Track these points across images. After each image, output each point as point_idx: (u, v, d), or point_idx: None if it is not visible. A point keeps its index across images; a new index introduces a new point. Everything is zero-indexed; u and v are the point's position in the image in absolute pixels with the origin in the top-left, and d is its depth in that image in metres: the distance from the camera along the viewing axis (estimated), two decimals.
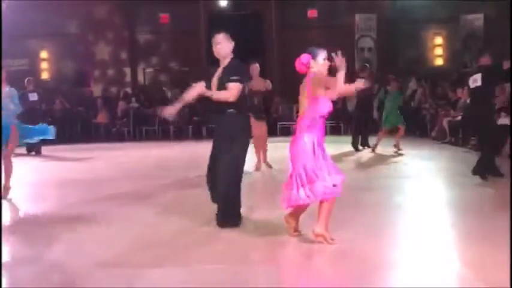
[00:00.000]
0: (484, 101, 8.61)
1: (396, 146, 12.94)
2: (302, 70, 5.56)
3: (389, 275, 4.53)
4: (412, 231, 5.97)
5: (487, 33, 20.91)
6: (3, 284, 4.39)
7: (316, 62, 5.51)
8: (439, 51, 21.99)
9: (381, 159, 12.20)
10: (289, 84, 14.14)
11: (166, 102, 21.52)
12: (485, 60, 8.82)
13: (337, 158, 12.27)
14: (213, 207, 6.13)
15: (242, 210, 6.20)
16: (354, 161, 12.20)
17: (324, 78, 5.46)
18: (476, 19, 21.22)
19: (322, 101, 5.38)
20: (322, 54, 5.55)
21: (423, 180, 9.07)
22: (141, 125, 20.56)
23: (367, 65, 15.54)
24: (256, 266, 4.85)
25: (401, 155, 12.63)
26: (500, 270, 4.46)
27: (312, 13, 21.59)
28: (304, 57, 5.54)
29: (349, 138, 14.30)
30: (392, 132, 13.40)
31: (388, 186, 8.69)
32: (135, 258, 5.10)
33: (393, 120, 13.15)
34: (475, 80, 8.58)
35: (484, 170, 8.53)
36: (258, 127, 9.79)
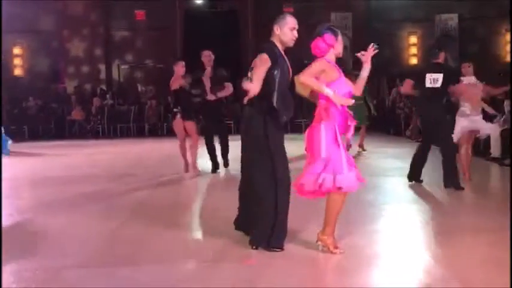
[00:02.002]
0: (440, 102, 8.12)
1: (360, 145, 12.97)
2: (320, 53, 4.91)
3: (363, 273, 4.54)
4: (384, 229, 5.99)
5: (461, 32, 21.15)
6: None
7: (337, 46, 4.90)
8: (413, 50, 22.18)
9: (355, 158, 12.25)
10: None
11: (141, 98, 21.50)
12: (440, 59, 8.33)
13: None
14: (185, 206, 6.10)
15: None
16: None
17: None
18: (450, 19, 21.44)
19: (338, 85, 4.83)
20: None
21: (395, 179, 9.11)
22: (116, 122, 20.42)
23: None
24: (228, 264, 4.85)
25: (372, 153, 12.72)
26: (473, 269, 4.51)
27: (288, 11, 21.60)
28: (330, 38, 4.91)
29: None
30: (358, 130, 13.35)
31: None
32: (107, 256, 5.06)
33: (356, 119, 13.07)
34: (435, 80, 7.98)
35: (455, 178, 8.02)
36: (189, 126, 9.60)
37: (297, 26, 5.09)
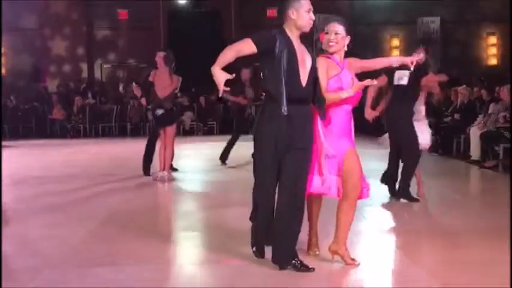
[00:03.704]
0: (406, 102, 7.38)
1: None
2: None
3: (342, 275, 4.56)
4: (362, 231, 6.01)
5: (443, 35, 21.30)
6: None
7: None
8: (395, 53, 22.29)
9: None
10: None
11: (123, 98, 21.39)
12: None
13: None
14: (167, 205, 6.09)
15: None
16: None
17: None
18: (433, 22, 21.58)
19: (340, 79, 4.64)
20: None
21: (371, 180, 9.12)
22: (98, 121, 20.30)
23: None
24: (206, 266, 4.84)
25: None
26: (453, 270, 4.54)
27: (272, 12, 21.60)
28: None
29: None
30: None
31: None
32: (84, 257, 5.03)
33: None
34: (400, 78, 7.36)
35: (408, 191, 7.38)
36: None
37: (312, 8, 4.71)
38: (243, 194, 8.59)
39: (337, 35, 4.76)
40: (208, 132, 19.49)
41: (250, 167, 11.54)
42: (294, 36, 4.60)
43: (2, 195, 7.35)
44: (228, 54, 4.44)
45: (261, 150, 4.50)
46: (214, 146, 11.30)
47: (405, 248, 5.28)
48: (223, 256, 4.97)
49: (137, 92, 9.60)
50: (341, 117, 4.60)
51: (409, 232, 5.93)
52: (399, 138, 7.43)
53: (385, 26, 22.23)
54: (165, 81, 9.08)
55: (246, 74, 10.70)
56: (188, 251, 5.33)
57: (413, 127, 7.34)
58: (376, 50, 21.91)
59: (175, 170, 10.11)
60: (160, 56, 9.27)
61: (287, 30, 4.60)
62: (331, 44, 4.75)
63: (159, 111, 9.07)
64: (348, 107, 4.65)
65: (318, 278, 4.41)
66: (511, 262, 4.42)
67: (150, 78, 9.20)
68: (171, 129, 9.22)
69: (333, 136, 4.54)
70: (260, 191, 4.57)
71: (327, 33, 4.83)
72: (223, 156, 11.08)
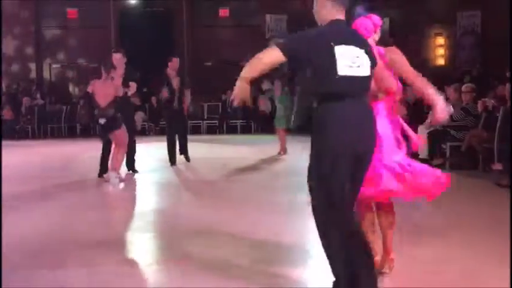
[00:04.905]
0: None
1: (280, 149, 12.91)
2: (367, 33, 4.26)
3: (299, 274, 4.59)
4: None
5: (392, 36, 21.62)
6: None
7: None
8: None
9: (291, 159, 12.36)
10: (199, 84, 14.21)
11: (72, 98, 21.10)
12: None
13: (252, 158, 12.38)
14: (118, 206, 6.04)
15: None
16: (263, 160, 12.30)
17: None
18: (383, 23, 21.90)
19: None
20: None
21: None
22: (47, 122, 19.95)
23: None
24: (158, 267, 4.83)
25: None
26: (406, 266, 4.62)
27: (224, 12, 21.66)
28: (377, 19, 4.35)
29: (260, 137, 14.39)
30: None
31: (294, 186, 8.82)
32: (32, 259, 4.96)
33: (277, 122, 13.15)
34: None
35: None
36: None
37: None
38: (194, 194, 8.61)
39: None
40: (161, 132, 19.33)
41: (198, 166, 11.63)
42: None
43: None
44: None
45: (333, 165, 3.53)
46: (165, 147, 11.24)
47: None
48: (176, 256, 4.96)
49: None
50: None
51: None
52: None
53: None
54: (105, 89, 9.00)
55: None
56: (140, 252, 5.30)
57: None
58: None
59: (135, 171, 10.07)
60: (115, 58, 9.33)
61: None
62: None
63: (102, 121, 9.03)
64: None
65: (277, 279, 4.43)
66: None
67: (89, 90, 9.19)
68: (120, 133, 9.15)
69: None
70: (338, 222, 3.58)
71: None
72: (173, 158, 11.07)
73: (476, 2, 20.25)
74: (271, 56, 3.56)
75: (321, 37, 3.58)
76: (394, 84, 4.12)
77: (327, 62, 3.51)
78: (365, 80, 3.63)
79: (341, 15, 3.73)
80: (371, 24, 4.29)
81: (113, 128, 9.08)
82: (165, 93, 10.89)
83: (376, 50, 3.99)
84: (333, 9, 3.72)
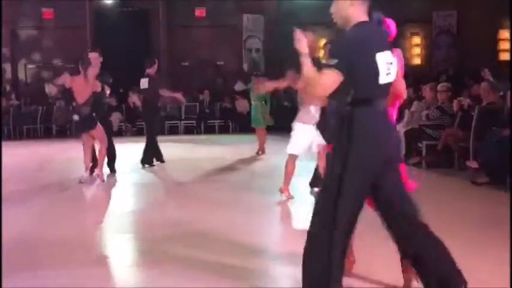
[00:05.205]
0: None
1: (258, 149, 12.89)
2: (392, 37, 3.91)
3: (270, 273, 4.60)
4: (293, 229, 6.09)
5: None
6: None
7: None
8: (322, 53, 22.61)
9: (270, 159, 12.36)
10: (177, 83, 14.17)
11: (48, 99, 20.88)
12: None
13: (230, 158, 12.36)
14: (100, 209, 6.00)
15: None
16: (242, 160, 12.29)
17: None
18: None
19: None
20: None
21: (299, 179, 9.23)
22: (22, 123, 19.74)
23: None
24: (136, 268, 4.81)
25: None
26: (375, 264, 4.64)
27: (200, 12, 21.57)
28: (391, 21, 3.98)
29: (239, 137, 14.38)
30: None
31: (271, 186, 8.82)
32: (17, 260, 4.91)
33: (254, 122, 13.12)
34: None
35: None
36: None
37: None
38: (171, 195, 8.58)
39: None
40: (138, 133, 19.21)
41: (175, 167, 11.58)
42: None
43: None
44: None
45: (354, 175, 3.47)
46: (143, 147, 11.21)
47: None
48: (154, 257, 4.94)
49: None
50: None
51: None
52: None
53: (314, 27, 22.46)
54: (81, 86, 8.96)
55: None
56: (119, 253, 5.27)
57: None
58: None
59: (114, 172, 10.03)
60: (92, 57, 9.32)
61: None
62: None
63: (75, 117, 9.00)
64: None
65: (258, 278, 4.43)
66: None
67: (67, 84, 9.15)
68: (96, 133, 9.11)
69: None
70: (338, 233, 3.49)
71: None
72: (149, 159, 11.04)
73: (452, 2, 20.44)
74: (333, 80, 3.38)
75: (362, 44, 3.43)
76: (404, 88, 4.12)
77: (370, 70, 3.42)
78: (390, 85, 3.60)
79: (366, 16, 3.58)
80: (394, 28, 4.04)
81: (86, 127, 9.07)
82: (132, 97, 11.04)
83: (395, 52, 3.78)
84: (362, 9, 3.56)
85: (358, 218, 3.57)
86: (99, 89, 9.17)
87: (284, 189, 7.61)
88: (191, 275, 4.47)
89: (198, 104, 19.96)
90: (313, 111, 7.23)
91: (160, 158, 11.26)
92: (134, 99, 11.04)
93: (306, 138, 7.30)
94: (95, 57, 9.50)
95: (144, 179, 9.90)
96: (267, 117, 12.99)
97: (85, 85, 8.95)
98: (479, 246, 5.22)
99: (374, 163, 3.48)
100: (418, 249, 3.62)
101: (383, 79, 3.46)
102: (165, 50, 21.07)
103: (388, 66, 3.48)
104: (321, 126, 7.01)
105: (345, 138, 3.45)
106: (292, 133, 7.41)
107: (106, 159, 9.59)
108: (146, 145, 11.08)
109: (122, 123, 19.58)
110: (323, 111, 6.89)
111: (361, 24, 3.51)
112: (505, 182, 8.13)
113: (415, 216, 3.62)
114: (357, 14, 3.52)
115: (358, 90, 3.45)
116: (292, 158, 7.51)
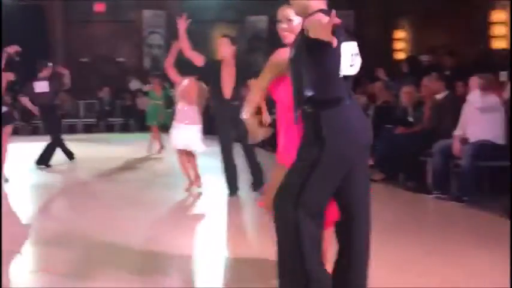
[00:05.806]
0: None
1: (157, 147, 12.73)
2: None
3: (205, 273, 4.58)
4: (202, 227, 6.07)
5: (271, 35, 22.00)
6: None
7: None
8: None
9: (169, 156, 12.25)
10: (75, 80, 13.75)
11: None
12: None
13: (129, 156, 12.20)
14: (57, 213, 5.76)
15: None
16: (141, 159, 12.15)
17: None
18: (260, 21, 22.22)
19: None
20: None
21: (210, 177, 9.21)
22: None
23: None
24: (33, 275, 4.66)
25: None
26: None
27: (99, 7, 21.07)
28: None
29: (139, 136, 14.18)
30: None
31: (171, 184, 8.77)
32: None
33: (149, 119, 13.05)
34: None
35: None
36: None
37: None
38: (67, 196, 8.37)
39: (291, 21, 3.92)
40: (33, 132, 18.54)
41: (73, 167, 11.30)
42: None
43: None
44: None
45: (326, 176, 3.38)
46: (40, 147, 10.85)
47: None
48: (48, 262, 4.80)
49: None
50: None
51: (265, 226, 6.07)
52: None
53: (216, 24, 22.50)
54: None
55: None
56: (13, 260, 5.06)
57: None
58: (206, 47, 22.16)
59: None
60: None
61: None
62: (285, 33, 3.97)
63: None
64: None
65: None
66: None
67: None
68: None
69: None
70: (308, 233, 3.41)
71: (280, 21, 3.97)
72: (46, 159, 10.71)
73: (350, 2, 20.97)
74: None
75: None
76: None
77: (333, 62, 3.27)
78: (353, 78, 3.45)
79: (324, 5, 3.40)
80: None
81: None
82: (24, 100, 10.78)
83: None
84: None
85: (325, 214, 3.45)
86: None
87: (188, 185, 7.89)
88: (88, 278, 4.37)
89: (97, 101, 19.53)
90: (187, 110, 7.90)
91: (70, 156, 11.11)
92: (25, 101, 10.66)
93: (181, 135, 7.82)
94: None
95: (41, 180, 9.59)
96: (162, 116, 12.81)
97: None
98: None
99: (350, 150, 3.38)
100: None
101: (346, 70, 3.31)
102: (62, 45, 20.45)
103: (352, 58, 3.33)
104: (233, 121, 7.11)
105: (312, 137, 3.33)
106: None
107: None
108: (48, 145, 10.72)
109: (18, 122, 18.85)
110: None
111: (322, 12, 3.29)
112: (397, 178, 8.51)
113: None
114: (316, 2, 3.38)
115: (321, 87, 3.32)
116: (178, 152, 7.98)
